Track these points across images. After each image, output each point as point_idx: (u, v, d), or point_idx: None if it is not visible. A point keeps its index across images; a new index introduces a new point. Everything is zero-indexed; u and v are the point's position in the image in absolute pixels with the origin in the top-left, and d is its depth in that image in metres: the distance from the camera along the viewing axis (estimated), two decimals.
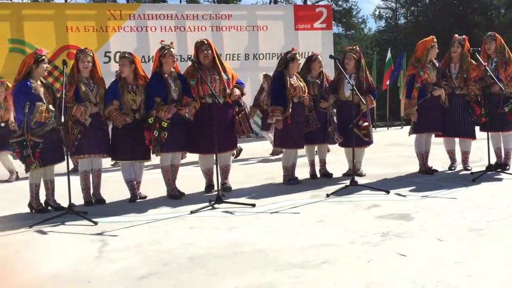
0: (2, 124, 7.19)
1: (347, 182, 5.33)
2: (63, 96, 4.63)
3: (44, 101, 4.79)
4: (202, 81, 5.28)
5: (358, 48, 6.13)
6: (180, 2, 30.44)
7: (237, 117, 5.42)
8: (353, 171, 5.53)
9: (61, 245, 3.77)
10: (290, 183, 5.78)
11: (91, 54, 5.17)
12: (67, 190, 4.48)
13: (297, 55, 5.81)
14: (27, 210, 4.94)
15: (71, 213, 4.47)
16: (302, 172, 6.10)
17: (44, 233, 4.11)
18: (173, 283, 2.85)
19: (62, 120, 4.48)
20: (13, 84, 4.94)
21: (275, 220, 4.20)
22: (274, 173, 6.35)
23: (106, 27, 12.43)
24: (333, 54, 6.76)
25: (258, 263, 3.10)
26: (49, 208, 4.98)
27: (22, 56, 11.66)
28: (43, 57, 4.88)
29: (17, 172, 7.28)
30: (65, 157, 4.81)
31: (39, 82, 4.89)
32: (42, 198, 5.00)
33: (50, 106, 4.83)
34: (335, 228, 3.85)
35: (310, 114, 5.87)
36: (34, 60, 4.83)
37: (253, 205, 4.70)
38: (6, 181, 7.18)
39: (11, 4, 11.97)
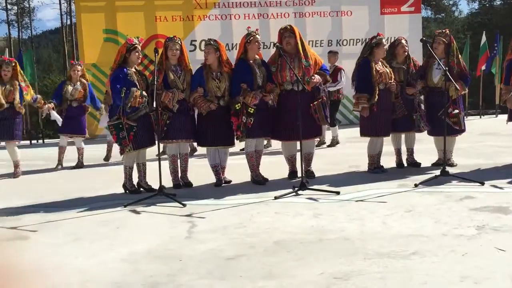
0: (6, 106, 6.48)
1: (437, 172, 5.09)
2: (155, 82, 4.82)
3: (138, 87, 5.03)
4: (281, 67, 5.27)
5: (448, 32, 5.80)
6: None
7: (312, 104, 5.29)
8: (444, 161, 5.26)
9: (153, 224, 3.96)
10: (375, 172, 5.63)
11: (179, 42, 5.32)
12: (157, 173, 4.67)
13: (383, 40, 5.61)
14: (122, 190, 5.25)
15: (162, 194, 4.67)
16: (387, 161, 5.92)
17: (137, 212, 4.35)
18: (260, 266, 2.89)
19: (154, 106, 4.70)
20: (110, 73, 5.23)
21: (361, 208, 4.11)
22: (358, 161, 6.22)
23: (192, 16, 12.81)
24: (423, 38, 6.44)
25: (345, 251, 3.05)
26: (141, 189, 5.25)
27: (115, 46, 12.38)
28: (135, 45, 5.11)
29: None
30: (156, 141, 5.04)
31: (133, 70, 5.14)
32: (135, 180, 5.28)
33: (144, 92, 5.06)
34: (425, 219, 3.69)
35: (397, 101, 5.67)
36: (126, 49, 5.07)
37: (338, 193, 4.64)
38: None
39: None
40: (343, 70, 8.39)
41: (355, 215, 3.88)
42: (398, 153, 5.99)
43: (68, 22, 36.76)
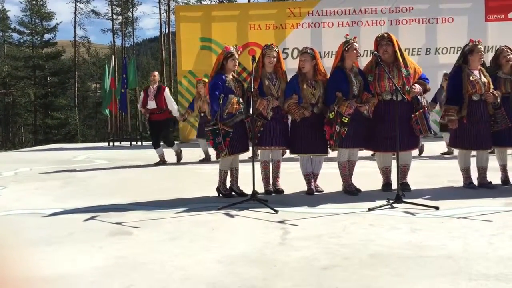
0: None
1: None
2: (251, 90, 4.92)
3: (236, 94, 5.17)
4: (379, 77, 5.15)
5: None
6: None
7: (413, 115, 5.13)
8: None
9: (246, 228, 4.03)
10: (471, 187, 5.31)
11: (276, 50, 5.40)
12: (248, 177, 4.75)
13: (478, 47, 5.27)
14: (215, 193, 5.39)
15: (254, 200, 4.74)
16: (491, 176, 5.52)
17: (231, 216, 4.44)
18: (355, 278, 2.82)
19: (251, 111, 4.79)
20: (209, 80, 5.43)
21: (463, 226, 3.87)
22: (458, 175, 5.86)
23: (285, 24, 12.96)
24: None
25: (448, 270, 2.89)
26: (233, 193, 5.37)
27: (209, 53, 12.87)
28: (232, 53, 5.23)
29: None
30: (249, 147, 5.13)
31: (231, 77, 5.28)
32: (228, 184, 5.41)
33: (240, 99, 5.18)
34: None
35: (498, 112, 5.28)
36: (223, 57, 5.22)
37: (437, 208, 4.41)
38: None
39: (203, 7, 13.27)
40: None
41: (457, 233, 3.67)
42: (504, 169, 5.58)
43: (166, 31, 38.83)
